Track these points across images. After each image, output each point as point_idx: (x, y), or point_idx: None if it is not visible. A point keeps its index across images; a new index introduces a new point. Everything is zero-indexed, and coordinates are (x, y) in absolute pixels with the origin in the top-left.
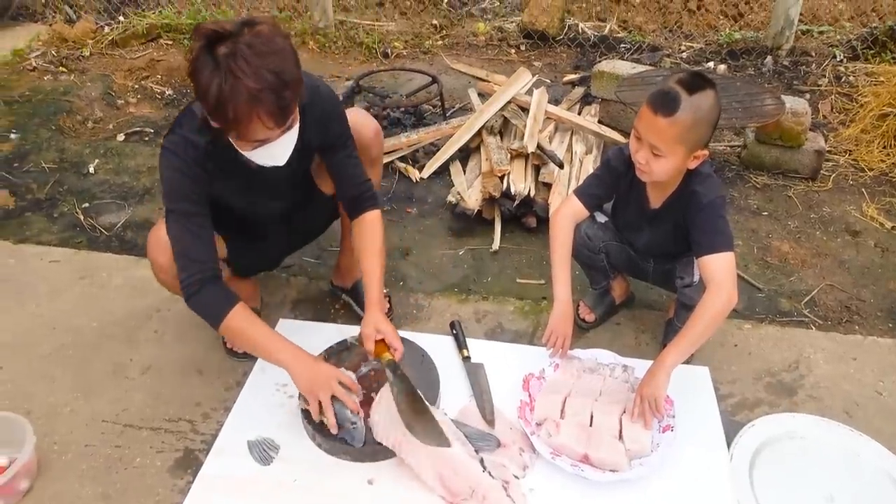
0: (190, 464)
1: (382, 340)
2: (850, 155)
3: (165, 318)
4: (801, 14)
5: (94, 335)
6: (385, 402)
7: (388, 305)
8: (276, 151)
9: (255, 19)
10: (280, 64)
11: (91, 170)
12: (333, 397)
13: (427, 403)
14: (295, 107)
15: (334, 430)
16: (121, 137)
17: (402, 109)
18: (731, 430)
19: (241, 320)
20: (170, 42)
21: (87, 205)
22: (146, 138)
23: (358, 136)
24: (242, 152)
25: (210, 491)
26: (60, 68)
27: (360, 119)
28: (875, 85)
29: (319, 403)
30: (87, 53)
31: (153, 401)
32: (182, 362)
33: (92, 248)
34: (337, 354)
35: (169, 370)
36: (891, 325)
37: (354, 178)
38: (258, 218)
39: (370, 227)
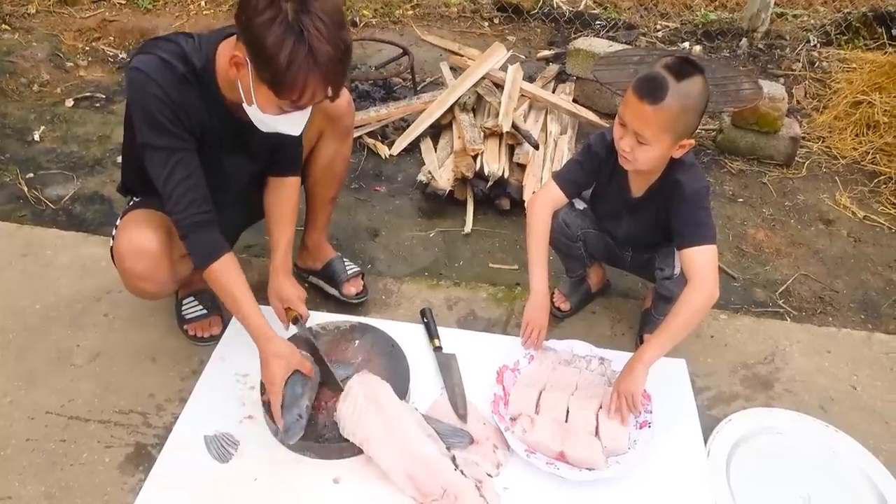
0: (142, 460)
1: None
2: (823, 142)
3: (116, 300)
4: None
5: (37, 318)
6: (352, 396)
7: (362, 285)
8: (296, 120)
9: None
10: (348, 36)
11: (36, 137)
12: (292, 382)
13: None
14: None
15: (279, 423)
16: (69, 103)
17: (371, 82)
18: (707, 425)
19: (224, 274)
20: (123, 2)
21: (31, 175)
22: (97, 104)
23: (329, 105)
24: (264, 113)
25: (163, 490)
26: (3, 26)
27: None
28: (848, 71)
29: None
30: (33, 11)
31: (102, 391)
32: (134, 349)
33: (36, 222)
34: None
35: (119, 357)
36: (863, 316)
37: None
38: (222, 177)
39: (289, 192)
